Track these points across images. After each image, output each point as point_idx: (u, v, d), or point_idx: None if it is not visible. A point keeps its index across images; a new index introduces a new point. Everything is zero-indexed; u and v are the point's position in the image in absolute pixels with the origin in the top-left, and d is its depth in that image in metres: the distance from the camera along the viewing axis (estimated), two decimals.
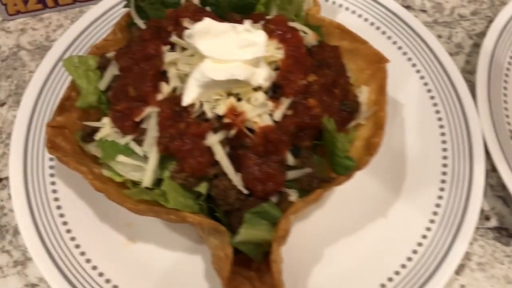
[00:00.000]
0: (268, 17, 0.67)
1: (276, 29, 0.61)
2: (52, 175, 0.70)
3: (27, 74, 0.83)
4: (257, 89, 0.57)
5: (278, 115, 0.56)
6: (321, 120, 0.57)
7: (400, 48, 0.78)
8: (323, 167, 0.58)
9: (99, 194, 0.58)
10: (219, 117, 0.56)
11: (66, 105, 0.65)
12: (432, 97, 0.75)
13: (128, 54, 0.60)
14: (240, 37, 0.55)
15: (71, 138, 0.65)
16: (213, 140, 0.56)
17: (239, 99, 0.57)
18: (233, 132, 0.56)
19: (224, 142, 0.57)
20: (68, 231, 0.66)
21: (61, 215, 0.67)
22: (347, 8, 0.84)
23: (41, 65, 0.77)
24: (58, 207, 0.67)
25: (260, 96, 0.56)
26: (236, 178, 0.56)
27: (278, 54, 0.59)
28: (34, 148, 0.71)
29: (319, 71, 0.61)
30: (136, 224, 0.67)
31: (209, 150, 0.56)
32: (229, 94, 0.57)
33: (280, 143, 0.55)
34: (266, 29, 0.61)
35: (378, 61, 0.67)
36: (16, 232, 0.70)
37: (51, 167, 0.70)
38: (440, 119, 0.74)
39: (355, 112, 0.62)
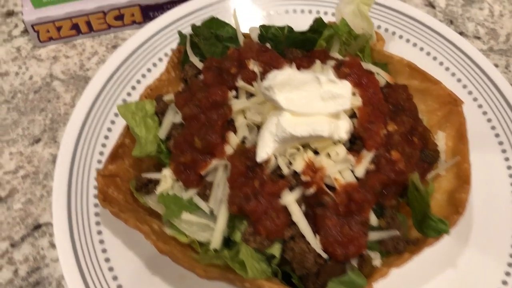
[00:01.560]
0: (338, 56, 0.62)
1: (351, 73, 0.56)
2: (98, 223, 0.65)
3: (62, 107, 0.77)
4: (336, 141, 0.52)
5: (360, 171, 0.52)
6: (407, 176, 0.52)
7: (459, 80, 0.74)
8: (406, 226, 0.54)
9: (149, 243, 0.54)
10: (295, 173, 0.52)
11: (119, 152, 0.60)
12: (497, 135, 0.71)
13: (192, 102, 0.55)
14: (323, 89, 0.50)
15: (122, 187, 0.60)
16: (290, 199, 0.51)
17: (315, 152, 0.53)
18: (311, 190, 0.51)
19: (300, 200, 0.52)
20: (119, 287, 0.61)
21: (110, 269, 0.62)
22: (400, 36, 0.80)
23: (81, 101, 0.72)
24: (107, 260, 0.62)
25: (341, 150, 0.51)
26: (314, 241, 0.51)
27: (355, 101, 0.54)
28: (78, 194, 0.66)
29: (397, 118, 0.56)
30: (190, 276, 0.62)
31: (285, 210, 0.51)
32: (305, 146, 0.52)
33: (364, 202, 0.51)
34: (339, 72, 0.56)
35: (451, 103, 0.62)
36: (59, 285, 0.65)
37: (97, 214, 0.65)
38: (507, 159, 0.69)
39: (434, 161, 0.58)
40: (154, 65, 0.77)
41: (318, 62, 0.59)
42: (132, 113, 0.57)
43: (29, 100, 0.78)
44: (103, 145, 0.70)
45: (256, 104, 0.54)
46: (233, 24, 0.66)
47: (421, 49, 0.77)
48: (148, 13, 0.83)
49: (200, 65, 0.63)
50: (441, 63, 0.74)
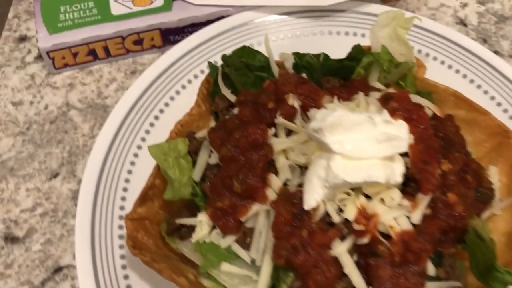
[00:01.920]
0: (379, 86, 0.58)
1: (400, 108, 0.52)
2: (124, 267, 0.60)
3: (80, 138, 0.73)
4: (390, 185, 0.48)
5: (417, 217, 0.48)
6: (466, 221, 0.48)
7: (505, 110, 0.69)
8: (465, 275, 0.49)
9: None
10: (346, 221, 0.48)
11: (149, 194, 0.55)
12: None
13: (229, 141, 0.51)
14: (378, 130, 0.46)
15: (152, 230, 0.56)
16: (341, 249, 0.47)
17: (367, 196, 0.48)
18: (365, 240, 0.47)
19: (352, 250, 0.48)
20: None
21: None
22: (435, 58, 0.76)
23: (102, 133, 0.67)
24: None
25: (396, 195, 0.47)
26: None
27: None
28: (102, 234, 0.62)
29: (449, 155, 0.52)
30: None
31: (335, 261, 0.47)
32: (356, 190, 0.48)
33: (421, 251, 0.46)
34: (387, 107, 0.52)
35: (501, 134, 0.58)
36: None
37: (122, 257, 0.61)
38: None
39: (490, 200, 0.54)
40: (177, 92, 0.73)
41: (361, 95, 0.55)
42: (165, 154, 0.53)
43: (45, 131, 0.74)
44: (126, 180, 0.66)
45: (298, 143, 0.50)
46: (263, 50, 0.63)
47: (464, 76, 0.73)
48: (168, 37, 0.79)
49: (232, 97, 0.59)
50: (485, 92, 0.70)
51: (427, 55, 0.76)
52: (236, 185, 0.49)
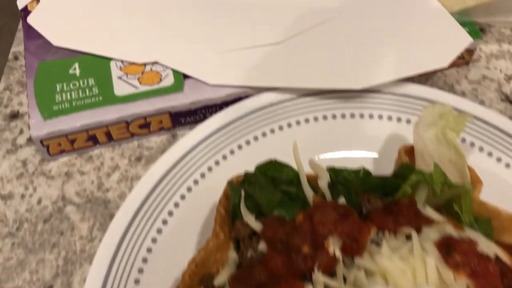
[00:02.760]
0: (433, 215, 0.49)
1: (464, 262, 0.43)
2: None
3: (77, 242, 0.64)
4: None
5: None
6: None
7: None
8: None
9: None
10: None
11: None
12: None
13: None
14: None
15: None
16: None
17: None
18: None
19: None
20: None
21: None
22: (472, 144, 0.67)
23: (104, 243, 0.58)
24: None
25: None
26: None
27: None
28: None
29: None
30: None
31: None
32: None
33: None
34: (449, 261, 0.43)
35: None
36: None
37: None
38: None
39: None
40: (189, 189, 0.64)
41: (414, 236, 0.45)
42: None
43: (38, 232, 0.64)
44: None
45: None
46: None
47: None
48: (179, 119, 0.70)
49: (257, 225, 0.50)
50: None
51: (472, 144, 0.67)
52: None
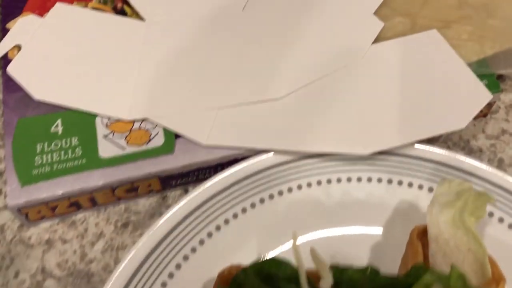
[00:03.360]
0: None
1: None
2: None
3: None
4: None
5: None
6: None
7: None
8: None
9: None
10: None
11: None
12: None
13: None
14: None
15: None
16: None
17: None
18: None
19: None
20: None
21: None
22: (490, 214, 0.61)
23: None
24: None
25: None
26: None
27: None
28: None
29: None
30: None
31: None
32: None
33: None
34: None
35: None
36: None
37: None
38: None
39: None
40: (178, 266, 0.58)
41: None
42: None
43: None
44: None
45: None
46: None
47: None
48: (170, 182, 0.64)
49: None
50: None
51: (491, 215, 0.61)
52: None
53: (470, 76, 0.65)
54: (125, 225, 0.64)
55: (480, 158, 0.69)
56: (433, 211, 0.53)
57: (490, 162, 0.69)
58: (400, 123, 0.63)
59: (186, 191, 0.67)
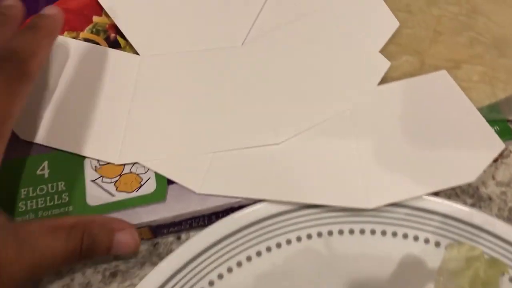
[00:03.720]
0: None
1: None
2: None
3: None
4: None
5: None
6: None
7: None
8: None
9: None
10: None
11: None
12: None
13: None
14: None
15: None
16: None
17: None
18: None
19: None
20: None
21: None
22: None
23: None
24: None
25: None
26: None
27: None
28: None
29: None
30: None
31: None
32: None
33: None
34: None
35: None
36: None
37: None
38: None
39: None
40: None
41: None
42: None
43: None
44: None
45: None
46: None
47: None
48: (161, 230, 0.61)
49: None
50: None
51: (502, 274, 0.58)
52: None
53: (482, 123, 0.62)
54: (113, 274, 0.61)
55: (489, 208, 0.65)
56: (440, 279, 0.50)
57: (500, 211, 0.65)
58: (407, 175, 0.59)
59: (178, 238, 0.63)
